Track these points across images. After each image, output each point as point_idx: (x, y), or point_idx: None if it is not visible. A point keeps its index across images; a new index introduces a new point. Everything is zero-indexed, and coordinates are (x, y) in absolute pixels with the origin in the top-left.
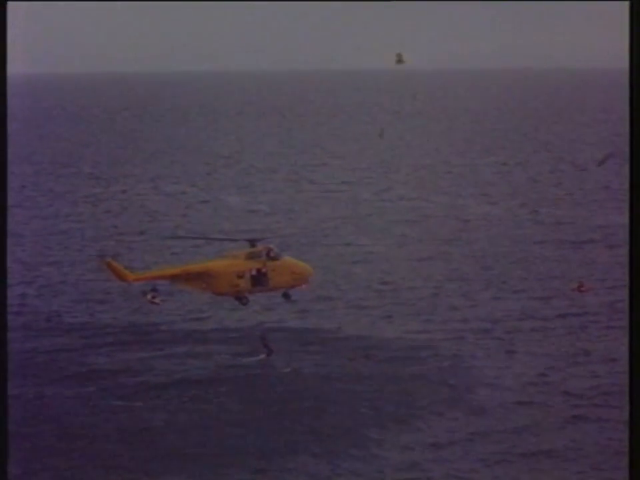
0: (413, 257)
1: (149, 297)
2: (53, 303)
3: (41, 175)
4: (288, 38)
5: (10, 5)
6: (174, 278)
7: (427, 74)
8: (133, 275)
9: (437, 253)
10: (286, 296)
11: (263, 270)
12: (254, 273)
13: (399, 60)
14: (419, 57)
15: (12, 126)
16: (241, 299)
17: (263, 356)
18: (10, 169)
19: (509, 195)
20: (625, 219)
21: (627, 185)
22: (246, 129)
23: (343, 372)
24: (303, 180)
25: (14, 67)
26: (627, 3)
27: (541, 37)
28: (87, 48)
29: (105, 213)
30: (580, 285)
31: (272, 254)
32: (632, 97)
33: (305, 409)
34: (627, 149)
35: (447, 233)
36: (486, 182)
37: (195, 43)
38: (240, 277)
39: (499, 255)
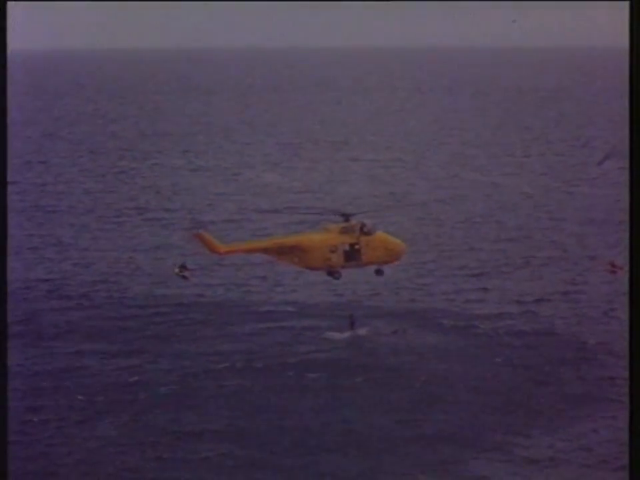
0: (451, 236)
1: (177, 270)
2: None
3: (67, 151)
4: (308, 15)
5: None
6: (266, 251)
7: (446, 51)
8: (224, 247)
9: (473, 232)
10: (378, 272)
11: (356, 245)
12: (347, 247)
13: None
14: (436, 35)
15: (34, 103)
16: (333, 273)
17: (348, 333)
18: (33, 147)
19: (543, 173)
20: None
21: None
22: (275, 105)
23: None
24: (337, 156)
25: (34, 43)
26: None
27: (554, 15)
28: (111, 24)
29: (134, 188)
30: (612, 265)
31: (365, 229)
32: (632, 96)
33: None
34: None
35: (482, 211)
36: (517, 159)
37: (219, 18)
38: (333, 251)
39: (534, 233)
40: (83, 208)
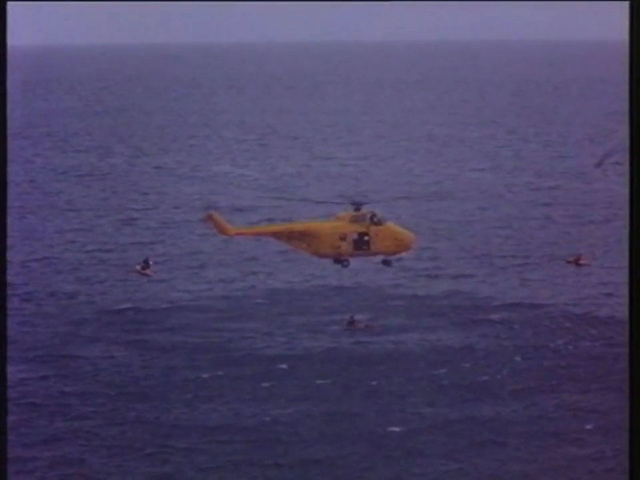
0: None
1: (137, 267)
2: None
3: (38, 149)
4: (288, 9)
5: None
6: (276, 235)
7: (429, 45)
8: (234, 229)
9: (453, 231)
10: (386, 262)
11: (366, 234)
12: (356, 236)
13: None
14: (420, 28)
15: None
16: (341, 261)
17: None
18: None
19: (520, 168)
20: None
21: None
22: (246, 102)
23: None
24: (317, 154)
25: (8, 38)
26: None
27: (543, 9)
28: (85, 19)
29: (106, 188)
30: (577, 258)
31: (375, 219)
32: (632, 96)
33: None
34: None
35: (462, 212)
36: (492, 155)
37: (192, 14)
38: (342, 239)
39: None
40: (48, 207)
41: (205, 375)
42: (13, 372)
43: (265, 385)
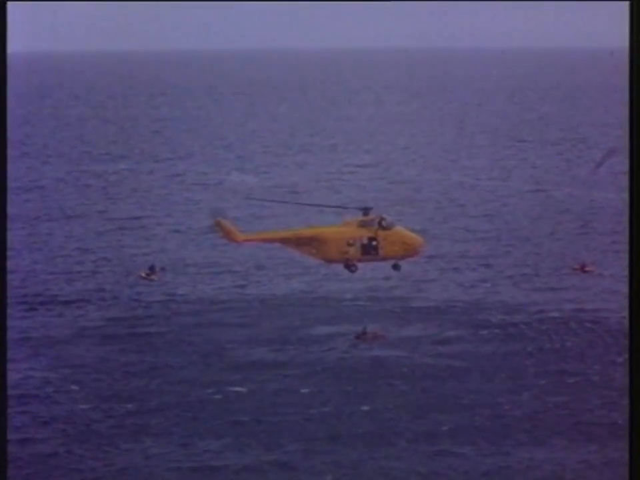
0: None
1: (142, 274)
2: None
3: (45, 155)
4: (299, 16)
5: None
6: (284, 241)
7: (438, 51)
8: (243, 235)
9: (461, 238)
10: (396, 267)
11: (374, 239)
12: (365, 241)
13: None
14: (428, 36)
15: (10, 104)
16: (349, 267)
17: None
18: (11, 150)
19: (528, 176)
20: None
21: None
22: (248, 109)
23: None
24: (326, 161)
25: (13, 45)
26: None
27: (542, 16)
28: (87, 26)
29: (113, 195)
30: (583, 265)
31: (384, 223)
32: (632, 96)
33: None
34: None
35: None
36: (501, 163)
37: (201, 21)
38: (350, 244)
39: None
40: (55, 214)
41: (209, 388)
42: (14, 378)
43: (272, 395)
